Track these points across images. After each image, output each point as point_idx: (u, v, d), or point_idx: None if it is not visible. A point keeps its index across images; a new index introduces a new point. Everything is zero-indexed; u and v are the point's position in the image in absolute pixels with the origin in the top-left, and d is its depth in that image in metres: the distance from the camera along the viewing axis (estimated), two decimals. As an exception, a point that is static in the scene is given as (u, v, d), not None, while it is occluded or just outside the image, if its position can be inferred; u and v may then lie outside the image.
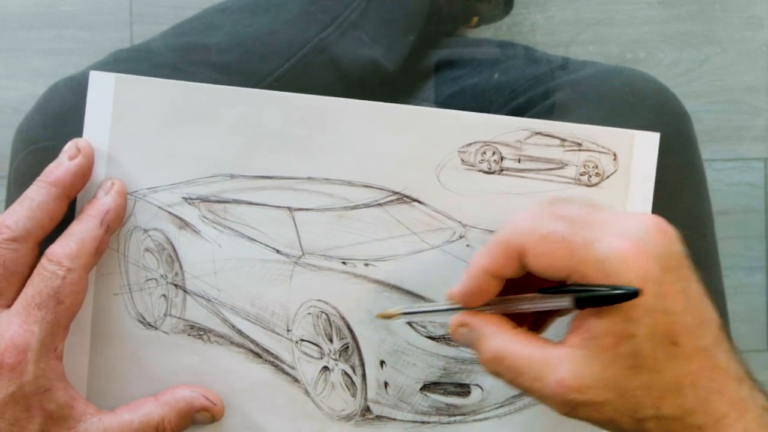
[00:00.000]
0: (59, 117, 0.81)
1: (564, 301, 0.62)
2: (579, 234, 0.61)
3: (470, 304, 0.67)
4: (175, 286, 0.76)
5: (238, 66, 0.86)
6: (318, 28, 0.88)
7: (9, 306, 0.71)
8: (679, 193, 0.83)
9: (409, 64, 0.93)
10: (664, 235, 0.62)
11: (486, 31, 1.26)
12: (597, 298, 0.60)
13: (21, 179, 0.76)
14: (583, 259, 0.61)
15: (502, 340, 0.65)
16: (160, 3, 1.33)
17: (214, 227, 0.76)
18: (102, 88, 0.75)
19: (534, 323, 0.69)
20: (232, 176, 0.75)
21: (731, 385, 0.61)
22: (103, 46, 1.07)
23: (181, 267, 0.76)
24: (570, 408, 0.62)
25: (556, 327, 0.69)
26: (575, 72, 0.88)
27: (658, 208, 0.76)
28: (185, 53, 0.86)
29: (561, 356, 0.62)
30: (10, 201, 0.73)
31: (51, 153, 0.74)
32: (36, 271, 0.71)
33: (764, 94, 1.41)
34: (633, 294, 0.59)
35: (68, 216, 0.74)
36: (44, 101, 0.85)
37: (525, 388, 0.63)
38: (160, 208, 0.76)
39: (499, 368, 0.64)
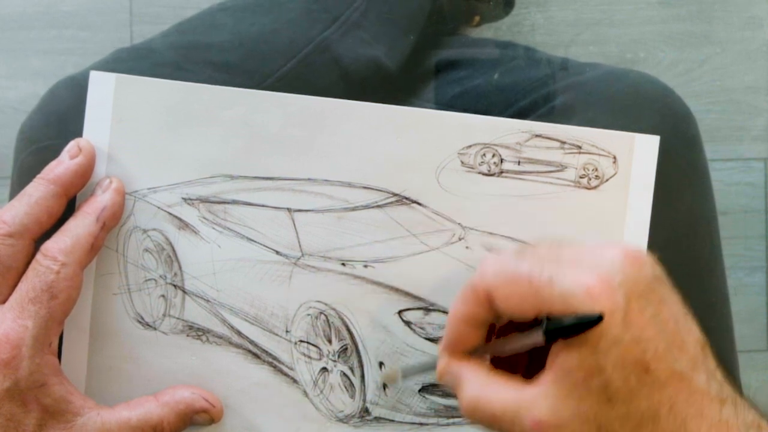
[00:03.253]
0: (60, 117, 0.81)
1: (536, 337, 0.61)
2: (544, 272, 0.61)
3: (454, 352, 0.67)
4: (174, 286, 0.76)
5: (240, 65, 0.85)
6: (320, 27, 0.88)
7: (4, 302, 0.71)
8: (683, 194, 0.83)
9: (410, 64, 0.92)
10: (632, 261, 0.61)
11: (486, 31, 1.26)
12: (563, 329, 0.59)
13: (24, 179, 0.76)
14: (547, 297, 0.60)
15: (478, 386, 0.64)
16: (160, 3, 1.33)
17: (214, 228, 0.76)
18: (102, 88, 0.75)
19: (532, 365, 0.68)
20: (232, 177, 0.75)
21: (712, 406, 0.60)
22: (103, 46, 1.06)
23: (180, 267, 0.76)
24: None
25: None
26: (579, 74, 0.88)
27: (661, 210, 0.76)
28: (187, 52, 0.86)
29: (536, 395, 0.61)
30: (14, 199, 0.73)
31: (53, 153, 0.74)
32: (30, 267, 0.71)
33: (764, 94, 1.41)
34: (596, 320, 0.58)
35: (67, 215, 0.74)
36: (45, 101, 0.85)
37: None
38: (159, 208, 0.76)
39: (476, 416, 0.64)
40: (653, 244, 0.75)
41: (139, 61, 0.86)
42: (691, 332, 0.62)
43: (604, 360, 0.59)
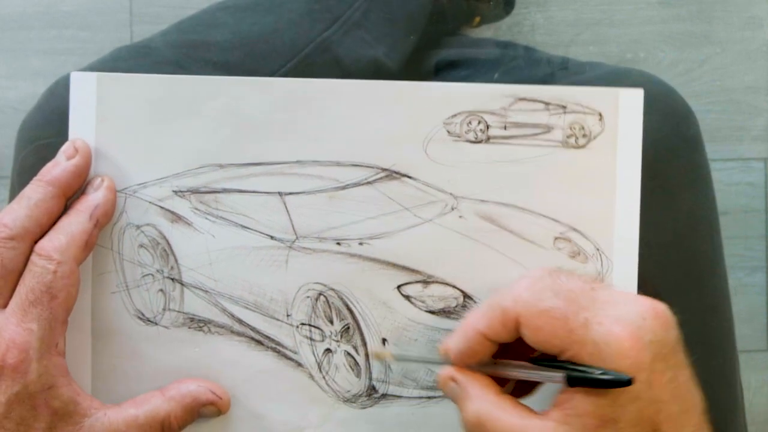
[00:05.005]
0: (60, 115, 0.80)
1: (555, 376, 0.63)
2: (579, 313, 0.62)
3: (462, 362, 0.68)
4: (172, 279, 0.76)
5: (241, 65, 0.86)
6: (321, 27, 0.88)
7: (5, 306, 0.71)
8: (684, 194, 0.83)
9: (411, 64, 0.93)
10: (660, 321, 0.63)
11: (486, 31, 1.26)
12: (589, 380, 0.61)
13: (24, 177, 0.76)
14: (579, 340, 0.62)
15: (486, 404, 0.65)
16: (160, 3, 1.34)
17: (207, 218, 0.76)
18: (84, 87, 0.75)
19: (521, 386, 0.70)
20: (221, 165, 0.75)
21: None
22: (103, 46, 1.08)
23: (176, 260, 0.76)
24: None
25: (542, 392, 0.70)
26: (579, 73, 0.88)
27: (662, 210, 0.76)
28: (187, 51, 0.87)
29: (543, 429, 0.62)
30: (14, 197, 0.73)
31: (53, 150, 0.75)
32: (27, 269, 0.71)
33: (764, 94, 1.41)
34: (626, 382, 0.60)
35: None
36: (45, 99, 0.86)
37: None
38: (151, 203, 0.76)
39: None
40: (654, 245, 0.75)
41: (139, 59, 0.87)
42: (696, 399, 0.64)
43: (621, 413, 0.61)
